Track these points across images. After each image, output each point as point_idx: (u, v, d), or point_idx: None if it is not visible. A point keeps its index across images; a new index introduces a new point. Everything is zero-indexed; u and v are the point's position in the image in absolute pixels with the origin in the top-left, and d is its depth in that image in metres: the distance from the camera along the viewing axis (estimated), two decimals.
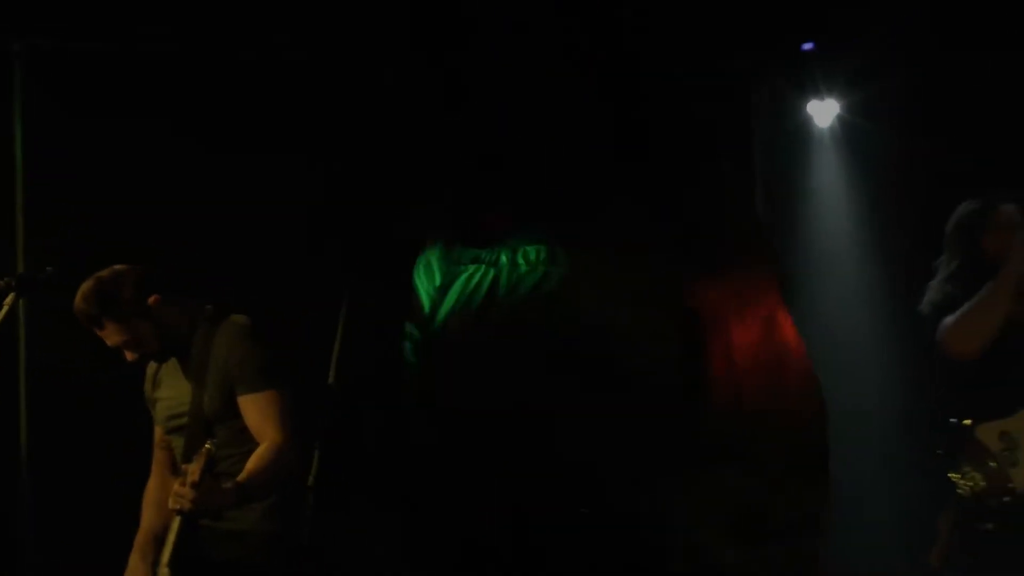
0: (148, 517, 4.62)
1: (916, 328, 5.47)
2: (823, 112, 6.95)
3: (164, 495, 4.47)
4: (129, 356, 4.46)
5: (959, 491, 4.66)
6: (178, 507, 3.99)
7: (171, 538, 4.06)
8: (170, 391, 4.54)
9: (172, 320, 4.44)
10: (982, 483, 4.63)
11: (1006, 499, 4.61)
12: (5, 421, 5.66)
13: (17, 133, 5.67)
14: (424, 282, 2.33)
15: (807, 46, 6.72)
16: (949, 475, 4.65)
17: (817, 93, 6.89)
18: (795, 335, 2.35)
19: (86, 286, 4.39)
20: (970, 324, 4.65)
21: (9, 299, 4.25)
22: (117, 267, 4.42)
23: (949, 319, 4.69)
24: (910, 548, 5.98)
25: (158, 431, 4.72)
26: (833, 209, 7.09)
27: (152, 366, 4.64)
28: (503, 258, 2.25)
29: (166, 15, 5.78)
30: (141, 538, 4.57)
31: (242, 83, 5.94)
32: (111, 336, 4.40)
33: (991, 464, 4.62)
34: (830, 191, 7.09)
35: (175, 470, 4.57)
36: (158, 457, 4.73)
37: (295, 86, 5.85)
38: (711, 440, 2.13)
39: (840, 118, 6.94)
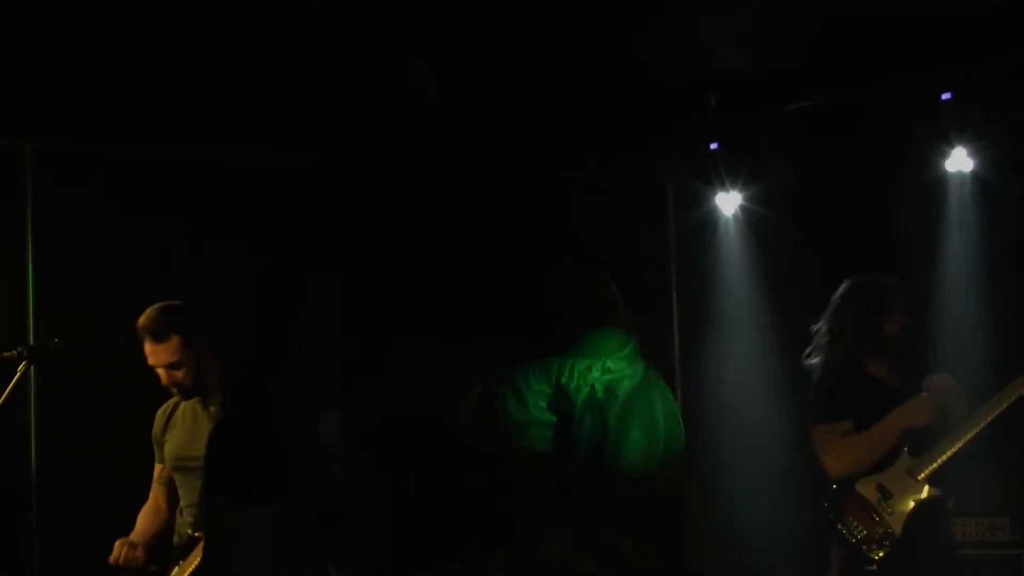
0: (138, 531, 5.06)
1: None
2: (728, 202, 7.65)
3: (156, 524, 5.02)
4: (165, 379, 4.80)
5: (846, 538, 4.98)
6: None
7: None
8: (182, 434, 4.92)
9: (209, 366, 4.82)
10: (864, 531, 4.96)
11: (885, 543, 4.94)
12: (17, 477, 6.06)
13: (28, 220, 6.22)
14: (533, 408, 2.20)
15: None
16: (835, 525, 5.00)
17: (723, 186, 7.58)
18: None
19: (157, 305, 4.79)
20: (853, 457, 4.98)
21: (22, 367, 4.66)
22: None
23: (828, 434, 5.00)
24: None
25: (159, 468, 5.09)
26: (736, 283, 7.75)
27: (164, 409, 5.03)
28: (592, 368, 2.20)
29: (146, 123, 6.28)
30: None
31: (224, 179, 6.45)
32: (165, 352, 4.74)
33: (871, 515, 4.96)
34: (734, 268, 7.74)
35: (171, 503, 5.03)
36: (156, 491, 5.12)
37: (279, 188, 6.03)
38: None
39: (742, 207, 7.62)
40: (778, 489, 7.28)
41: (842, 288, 5.32)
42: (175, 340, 4.77)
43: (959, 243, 6.79)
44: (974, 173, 6.73)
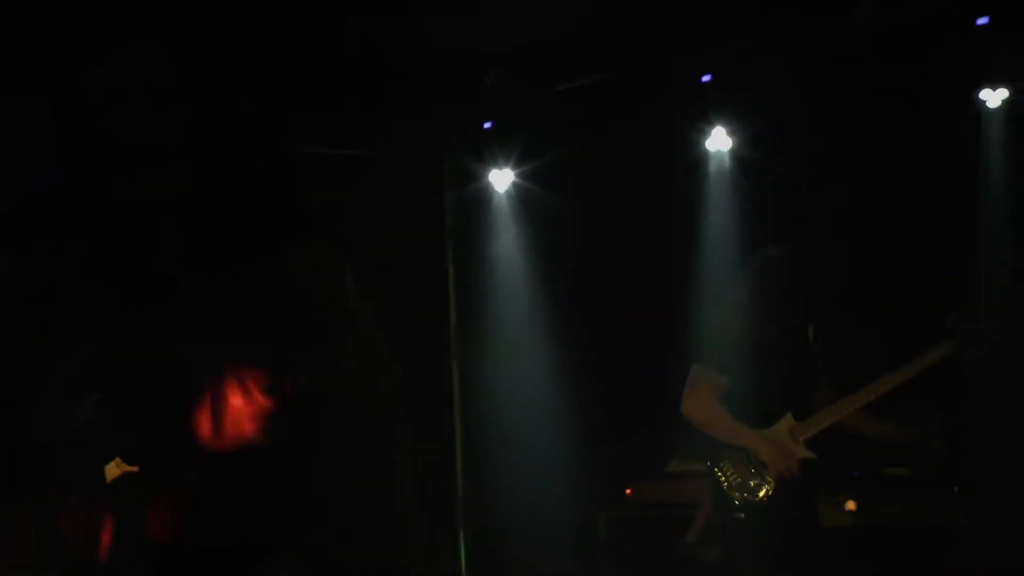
0: None
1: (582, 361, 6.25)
2: (501, 180, 7.86)
3: None
4: None
5: (720, 482, 5.26)
6: None
7: None
8: None
9: None
10: (738, 479, 5.21)
11: (757, 494, 5.18)
12: None
13: None
14: None
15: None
16: (712, 468, 5.28)
17: (496, 164, 7.80)
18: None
19: None
20: (704, 419, 5.27)
21: None
22: None
23: (703, 378, 5.23)
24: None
25: None
26: (510, 257, 7.98)
27: None
28: None
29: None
30: None
31: None
32: None
33: (747, 466, 5.20)
34: (507, 244, 7.97)
35: None
36: None
37: None
38: None
39: (515, 184, 7.84)
40: (553, 470, 7.47)
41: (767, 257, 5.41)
42: None
43: (719, 217, 7.10)
44: (733, 151, 7.06)
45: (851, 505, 6.18)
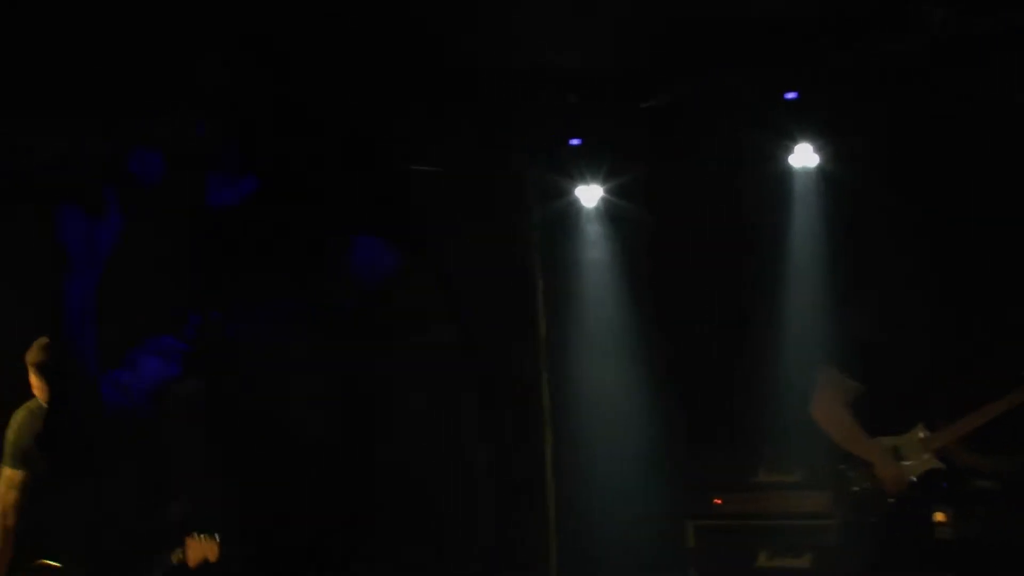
0: None
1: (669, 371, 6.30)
2: (589, 195, 7.98)
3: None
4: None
5: (852, 488, 5.38)
6: None
7: None
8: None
9: None
10: (867, 483, 5.36)
11: (888, 499, 5.32)
12: None
13: None
14: None
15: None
16: (843, 472, 5.39)
17: (584, 180, 7.93)
18: None
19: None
20: (831, 424, 5.40)
21: None
22: None
23: (834, 382, 5.35)
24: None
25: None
26: (598, 270, 8.10)
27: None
28: None
29: None
30: None
31: None
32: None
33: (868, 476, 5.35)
34: (594, 255, 8.10)
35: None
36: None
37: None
38: None
39: (603, 199, 7.96)
40: (642, 478, 7.56)
41: None
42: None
43: (804, 235, 7.18)
44: (819, 168, 7.13)
45: (940, 516, 6.23)
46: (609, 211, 7.97)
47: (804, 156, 7.09)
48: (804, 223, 7.15)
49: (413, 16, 5.95)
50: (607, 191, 7.92)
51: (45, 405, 5.02)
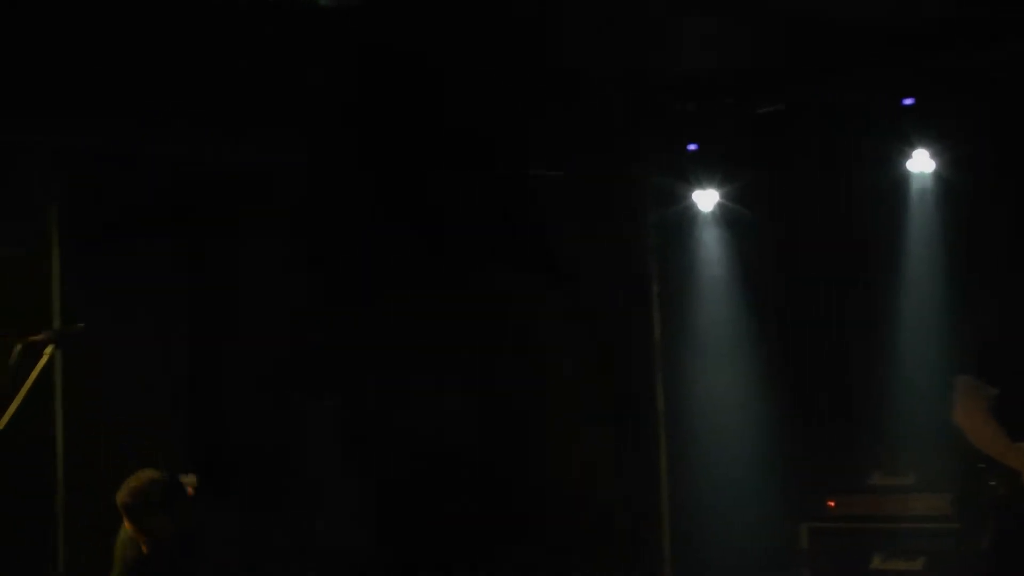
0: None
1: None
2: (705, 199, 8.07)
3: None
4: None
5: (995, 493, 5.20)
6: None
7: None
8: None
9: None
10: (1007, 491, 5.16)
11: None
12: (42, 461, 6.33)
13: (54, 215, 6.55)
14: None
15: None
16: (988, 478, 5.19)
17: (700, 184, 8.02)
18: None
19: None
20: (975, 433, 5.16)
21: (49, 350, 4.66)
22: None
23: (973, 409, 5.12)
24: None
25: None
26: (713, 272, 8.18)
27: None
28: None
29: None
30: None
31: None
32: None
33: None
34: (710, 258, 8.17)
35: None
36: None
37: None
38: None
39: (719, 204, 8.04)
40: (757, 479, 7.64)
41: None
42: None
43: (921, 238, 7.20)
44: (936, 173, 7.15)
45: None
46: (725, 215, 8.06)
47: (922, 161, 7.12)
48: (921, 227, 7.19)
49: (537, 23, 6.09)
50: (723, 196, 8.00)
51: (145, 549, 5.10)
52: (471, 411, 1.87)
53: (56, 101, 6.25)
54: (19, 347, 4.49)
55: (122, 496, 5.01)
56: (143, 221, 6.54)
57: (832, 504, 7.29)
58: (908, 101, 6.86)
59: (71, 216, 6.61)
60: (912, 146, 7.10)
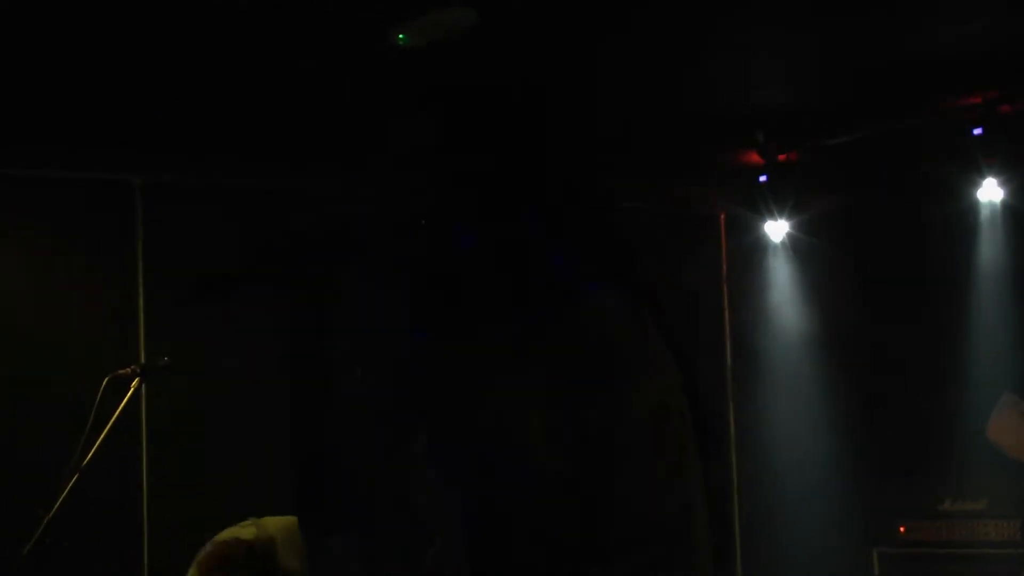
0: None
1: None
2: (776, 230, 8.19)
3: None
4: None
5: None
6: None
7: None
8: None
9: None
10: None
11: None
12: (129, 494, 6.44)
13: (139, 251, 6.76)
14: None
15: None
16: None
17: (771, 215, 8.13)
18: None
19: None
20: (1008, 445, 5.53)
21: (135, 383, 4.71)
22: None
23: (1008, 422, 5.44)
24: None
25: None
26: (784, 302, 8.31)
27: None
28: None
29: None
30: None
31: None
32: None
33: None
34: (781, 288, 8.30)
35: None
36: None
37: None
38: None
39: (790, 235, 8.15)
40: (828, 505, 7.72)
41: None
42: None
43: (989, 267, 7.30)
44: (1004, 202, 7.26)
45: None
46: (795, 246, 8.16)
47: (990, 190, 7.20)
48: (990, 256, 7.26)
49: (622, 65, 6.22)
50: (793, 226, 8.10)
51: None
52: (563, 436, 1.92)
53: (153, 136, 6.49)
54: (106, 381, 4.49)
55: (204, 561, 4.30)
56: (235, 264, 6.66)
57: (903, 530, 7.34)
58: (977, 131, 6.94)
59: (159, 250, 6.78)
60: (981, 175, 7.18)
